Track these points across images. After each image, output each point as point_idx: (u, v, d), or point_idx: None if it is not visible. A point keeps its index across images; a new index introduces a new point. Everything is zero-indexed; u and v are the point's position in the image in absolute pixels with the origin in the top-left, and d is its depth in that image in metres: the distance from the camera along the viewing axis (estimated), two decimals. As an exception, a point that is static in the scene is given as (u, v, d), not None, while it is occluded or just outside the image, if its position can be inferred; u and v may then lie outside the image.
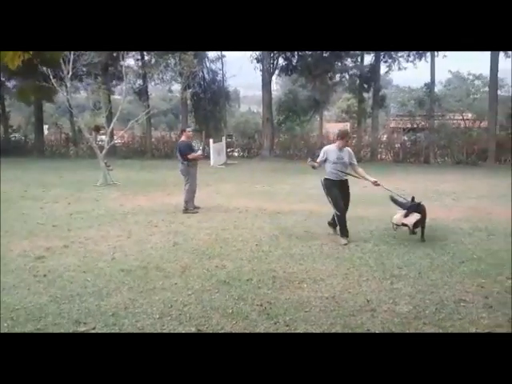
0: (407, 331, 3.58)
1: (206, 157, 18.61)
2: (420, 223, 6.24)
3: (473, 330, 3.59)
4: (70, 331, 3.57)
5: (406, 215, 6.17)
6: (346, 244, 6.14)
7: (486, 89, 23.66)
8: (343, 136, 6.39)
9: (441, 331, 3.57)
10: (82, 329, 3.61)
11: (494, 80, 21.04)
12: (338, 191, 6.36)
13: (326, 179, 6.44)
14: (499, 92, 23.10)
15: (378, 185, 6.40)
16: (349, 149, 6.49)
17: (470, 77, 27.98)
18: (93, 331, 3.57)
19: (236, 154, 24.73)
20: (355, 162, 6.54)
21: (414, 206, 6.26)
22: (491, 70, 20.68)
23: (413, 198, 6.48)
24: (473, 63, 22.85)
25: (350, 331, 3.58)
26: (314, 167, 6.39)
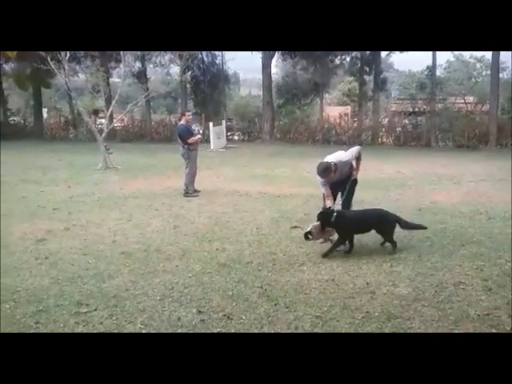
0: (406, 313, 3.61)
1: (206, 140, 18.56)
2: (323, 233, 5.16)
3: (472, 312, 3.62)
4: (73, 312, 3.60)
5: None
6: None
7: (488, 72, 23.46)
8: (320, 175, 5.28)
9: (440, 313, 3.60)
10: (84, 310, 3.64)
11: (495, 63, 20.84)
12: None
13: None
14: (501, 75, 22.90)
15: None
16: (340, 157, 5.40)
17: (472, 60, 27.77)
18: (95, 313, 3.60)
19: (236, 138, 24.64)
20: (351, 160, 5.45)
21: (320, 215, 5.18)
22: (493, 53, 20.46)
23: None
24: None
25: (349, 313, 3.61)
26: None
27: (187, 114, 9.10)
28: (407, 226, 5.35)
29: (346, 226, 5.14)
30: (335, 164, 5.25)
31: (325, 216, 5.09)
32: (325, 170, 5.20)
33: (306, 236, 5.19)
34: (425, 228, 5.49)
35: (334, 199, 5.54)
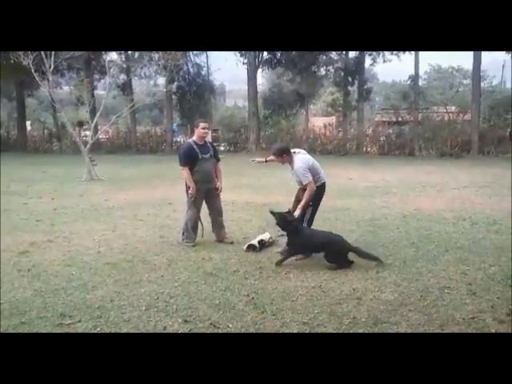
0: (392, 318, 3.62)
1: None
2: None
3: (457, 316, 3.64)
4: (56, 324, 3.53)
5: None
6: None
7: (467, 81, 23.99)
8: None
9: (426, 318, 3.62)
10: (67, 322, 3.57)
11: (477, 73, 21.29)
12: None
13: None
14: (482, 84, 23.39)
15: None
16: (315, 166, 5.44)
17: (450, 70, 28.43)
18: (79, 324, 3.54)
19: (222, 148, 24.67)
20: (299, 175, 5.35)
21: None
22: (474, 63, 20.91)
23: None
24: (455, 55, 23.12)
25: (336, 319, 3.60)
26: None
27: (201, 125, 5.75)
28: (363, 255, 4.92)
29: (298, 241, 5.07)
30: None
31: (285, 221, 5.11)
32: (280, 149, 5.45)
33: (253, 247, 5.47)
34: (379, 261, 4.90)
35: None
